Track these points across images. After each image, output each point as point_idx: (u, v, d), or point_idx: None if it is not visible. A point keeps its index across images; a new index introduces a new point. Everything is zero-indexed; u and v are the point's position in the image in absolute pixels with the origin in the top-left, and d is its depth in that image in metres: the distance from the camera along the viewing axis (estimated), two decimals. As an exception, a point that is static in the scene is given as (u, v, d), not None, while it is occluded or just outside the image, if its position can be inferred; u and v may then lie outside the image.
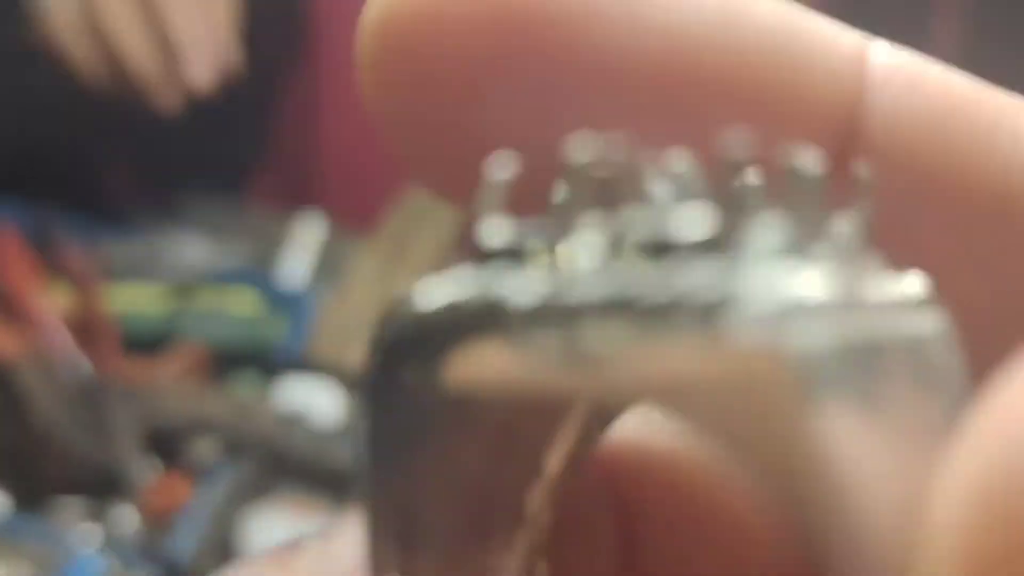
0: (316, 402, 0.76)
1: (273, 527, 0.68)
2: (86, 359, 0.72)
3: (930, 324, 0.11)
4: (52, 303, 0.75)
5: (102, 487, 0.69)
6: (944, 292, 0.12)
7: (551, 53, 0.12)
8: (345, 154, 0.96)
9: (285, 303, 0.81)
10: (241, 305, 0.77)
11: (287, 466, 0.72)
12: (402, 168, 0.12)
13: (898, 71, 0.15)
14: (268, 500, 0.71)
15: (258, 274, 0.82)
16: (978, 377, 0.10)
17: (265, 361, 0.78)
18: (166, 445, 0.71)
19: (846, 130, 0.14)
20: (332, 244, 0.89)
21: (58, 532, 0.66)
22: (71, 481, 0.70)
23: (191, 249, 0.84)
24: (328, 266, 0.87)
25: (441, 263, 0.89)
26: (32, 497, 0.68)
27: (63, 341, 0.72)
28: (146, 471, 0.69)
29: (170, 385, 0.73)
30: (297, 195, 0.94)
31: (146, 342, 0.76)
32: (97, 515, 0.68)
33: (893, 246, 0.12)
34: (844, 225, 0.11)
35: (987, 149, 0.15)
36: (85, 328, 0.74)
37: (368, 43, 0.12)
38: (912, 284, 0.11)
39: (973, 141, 0.15)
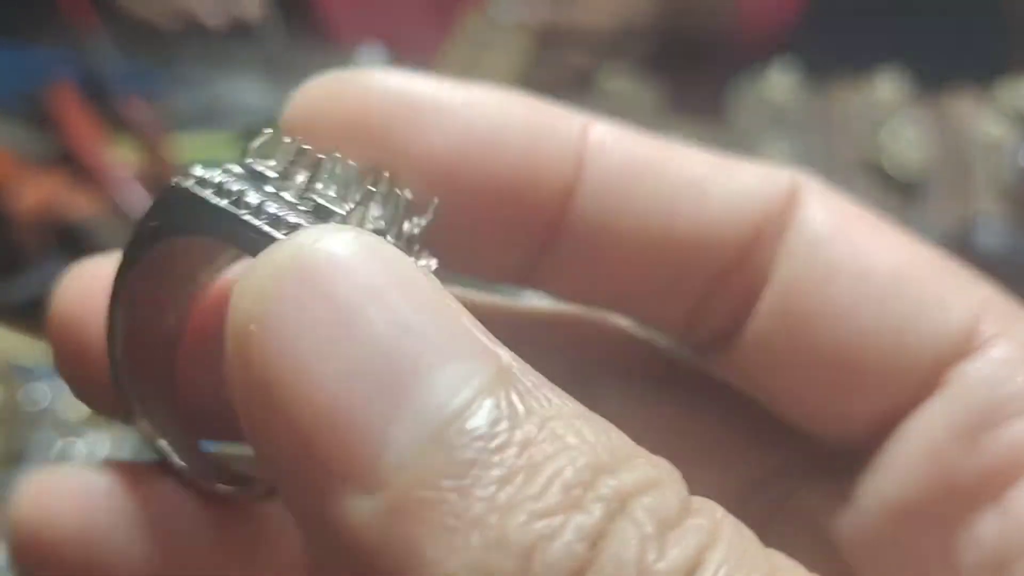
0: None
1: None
2: (164, 214, 0.69)
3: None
4: (120, 158, 0.73)
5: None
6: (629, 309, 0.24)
7: (375, 143, 0.21)
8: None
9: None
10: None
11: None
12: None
13: (611, 143, 0.22)
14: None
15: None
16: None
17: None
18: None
19: (565, 197, 0.21)
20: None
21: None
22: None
23: (251, 93, 0.81)
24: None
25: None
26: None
27: (139, 197, 0.70)
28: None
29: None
30: (356, 30, 0.90)
31: (220, 193, 0.73)
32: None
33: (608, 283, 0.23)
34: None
35: (674, 205, 0.22)
36: (157, 181, 0.71)
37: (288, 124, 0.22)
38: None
39: (663, 199, 0.22)
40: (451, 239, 0.21)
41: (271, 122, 0.20)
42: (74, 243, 0.67)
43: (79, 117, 0.73)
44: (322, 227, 0.17)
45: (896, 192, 0.78)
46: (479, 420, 0.15)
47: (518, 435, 0.15)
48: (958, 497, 0.21)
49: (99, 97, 0.76)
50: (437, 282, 0.16)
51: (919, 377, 0.22)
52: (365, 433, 0.15)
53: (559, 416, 0.15)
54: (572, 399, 0.16)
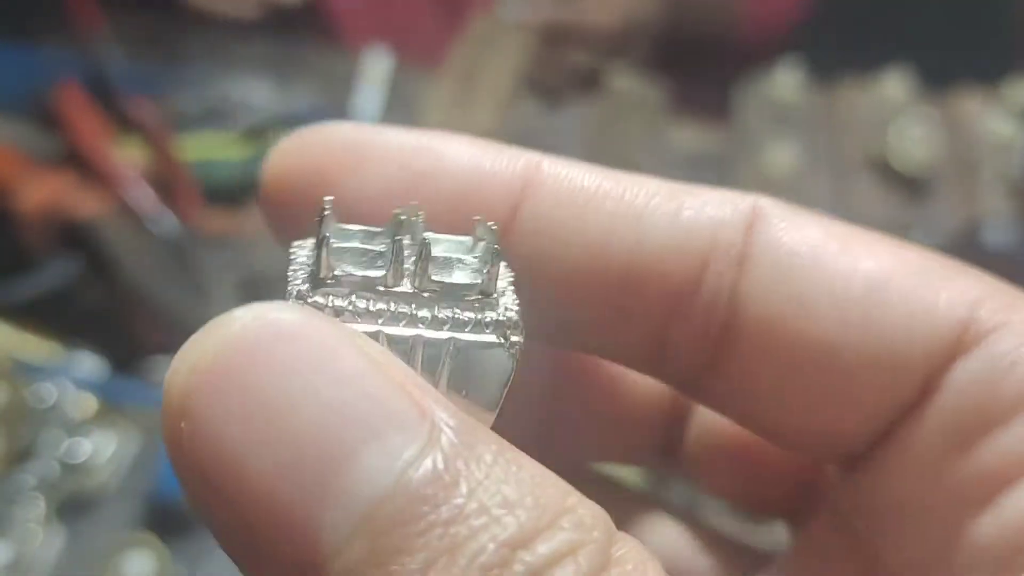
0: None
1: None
2: (170, 213, 0.69)
3: (490, 339, 0.19)
4: (127, 157, 0.73)
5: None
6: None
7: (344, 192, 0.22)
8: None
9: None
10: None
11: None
12: None
13: (553, 175, 0.22)
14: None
15: (329, 113, 0.79)
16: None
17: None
18: (260, 295, 0.69)
19: (508, 216, 0.22)
20: (401, 80, 0.85)
21: (159, 393, 0.65)
22: (165, 339, 0.68)
23: (257, 92, 0.81)
24: (398, 102, 0.84)
25: (509, 94, 0.85)
26: (127, 359, 0.67)
27: (146, 196, 0.70)
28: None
29: (258, 234, 0.71)
30: (363, 32, 0.90)
31: (226, 192, 0.73)
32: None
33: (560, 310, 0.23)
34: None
35: (612, 236, 0.22)
36: (164, 181, 0.71)
37: (266, 187, 0.23)
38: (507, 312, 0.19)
39: (600, 230, 0.22)
40: None
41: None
42: (80, 243, 0.68)
43: (85, 117, 0.74)
44: (237, 313, 0.17)
45: (903, 191, 0.78)
46: (403, 502, 0.15)
47: (444, 513, 0.15)
48: (954, 502, 0.21)
49: (105, 97, 0.76)
50: (371, 345, 0.17)
51: (911, 383, 0.21)
52: (302, 521, 0.15)
53: (488, 480, 0.16)
54: (510, 448, 0.17)
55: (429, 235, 0.19)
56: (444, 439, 0.16)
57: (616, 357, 0.24)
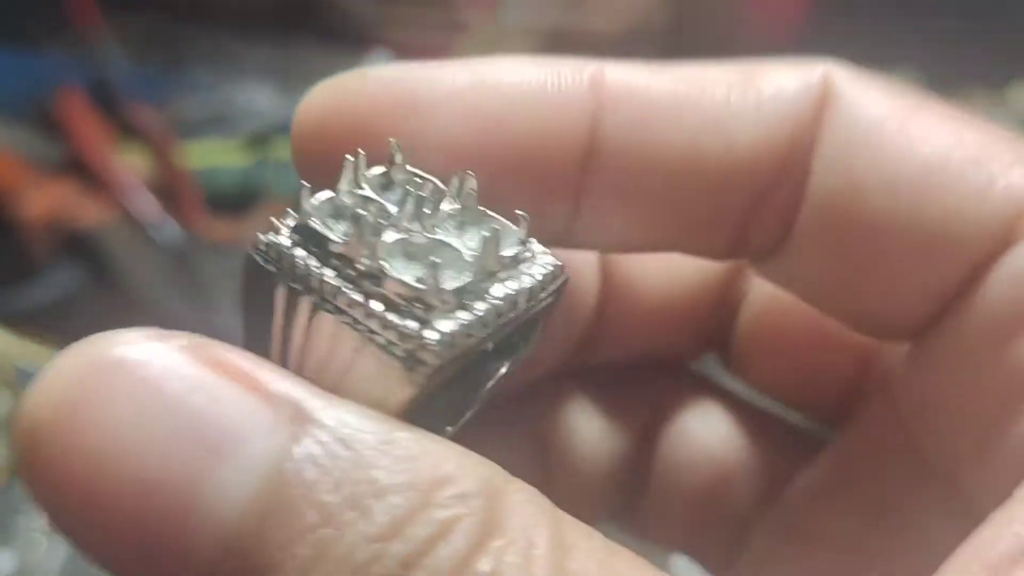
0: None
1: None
2: (173, 220, 0.69)
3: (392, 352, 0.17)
4: (130, 165, 0.73)
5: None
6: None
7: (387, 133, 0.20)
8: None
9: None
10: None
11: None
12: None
13: (624, 87, 0.22)
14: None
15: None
16: None
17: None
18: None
19: (586, 151, 0.22)
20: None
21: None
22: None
23: (261, 98, 0.81)
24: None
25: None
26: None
27: (148, 203, 0.69)
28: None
29: (261, 241, 0.71)
30: (362, 35, 0.89)
31: (230, 198, 0.73)
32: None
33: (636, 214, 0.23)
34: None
35: (698, 141, 0.22)
36: (167, 188, 0.71)
37: (297, 136, 0.22)
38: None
39: (686, 137, 0.22)
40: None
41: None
42: (83, 250, 0.67)
43: (88, 123, 0.73)
44: (72, 350, 0.16)
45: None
46: (265, 513, 0.15)
47: (309, 517, 0.15)
48: (996, 397, 0.21)
49: (108, 103, 0.75)
50: (214, 349, 0.16)
51: (958, 269, 0.21)
52: (169, 557, 0.15)
53: (356, 468, 0.15)
54: (383, 424, 0.16)
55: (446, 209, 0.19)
56: (308, 436, 0.15)
57: (691, 252, 0.24)
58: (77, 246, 0.68)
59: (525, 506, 0.16)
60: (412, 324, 0.17)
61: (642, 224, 0.23)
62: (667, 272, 0.27)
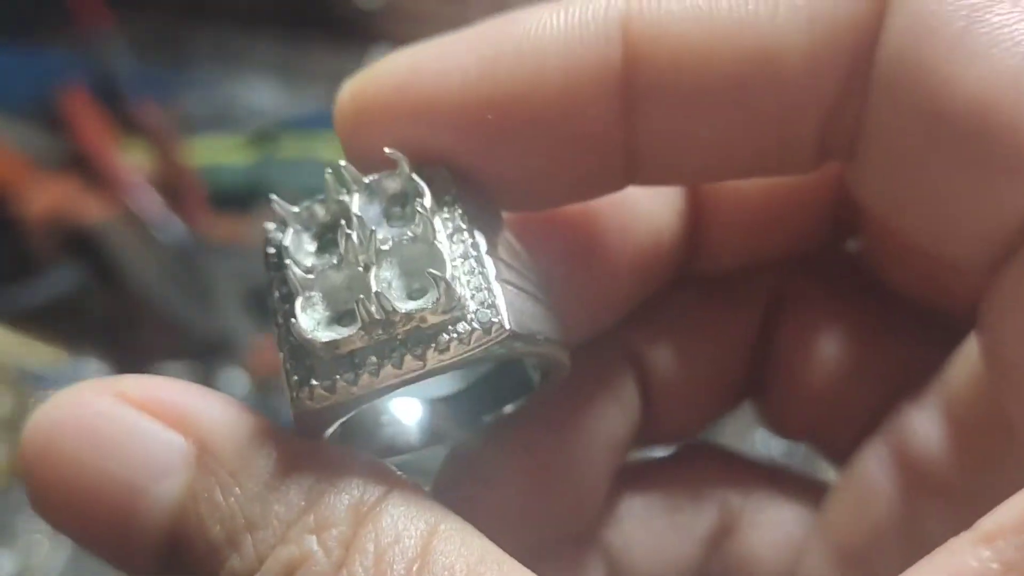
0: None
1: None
2: (177, 219, 0.69)
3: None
4: (133, 162, 0.72)
5: (206, 351, 0.67)
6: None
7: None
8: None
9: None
10: (327, 149, 0.73)
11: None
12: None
13: (658, 26, 0.21)
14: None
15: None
16: None
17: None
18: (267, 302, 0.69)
19: (625, 95, 0.21)
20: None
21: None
22: (172, 346, 0.68)
23: (264, 95, 0.80)
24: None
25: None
26: (133, 366, 0.66)
27: (152, 201, 0.69)
28: (251, 332, 0.67)
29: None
30: (367, 32, 0.89)
31: (233, 196, 0.72)
32: (204, 380, 0.66)
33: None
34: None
35: (751, 78, 0.21)
36: (170, 186, 0.71)
37: (341, 117, 0.23)
38: None
39: (739, 71, 0.21)
40: (539, 169, 0.22)
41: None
42: (86, 249, 0.67)
43: (91, 121, 0.73)
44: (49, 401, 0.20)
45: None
46: (176, 543, 0.19)
47: (200, 549, 0.19)
48: None
49: (111, 100, 0.75)
50: (143, 383, 0.20)
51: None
52: None
53: (238, 502, 0.19)
54: (276, 451, 0.19)
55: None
56: (206, 474, 0.19)
57: (778, 170, 0.23)
58: (80, 244, 0.67)
59: (402, 518, 0.19)
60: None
61: (712, 146, 0.22)
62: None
